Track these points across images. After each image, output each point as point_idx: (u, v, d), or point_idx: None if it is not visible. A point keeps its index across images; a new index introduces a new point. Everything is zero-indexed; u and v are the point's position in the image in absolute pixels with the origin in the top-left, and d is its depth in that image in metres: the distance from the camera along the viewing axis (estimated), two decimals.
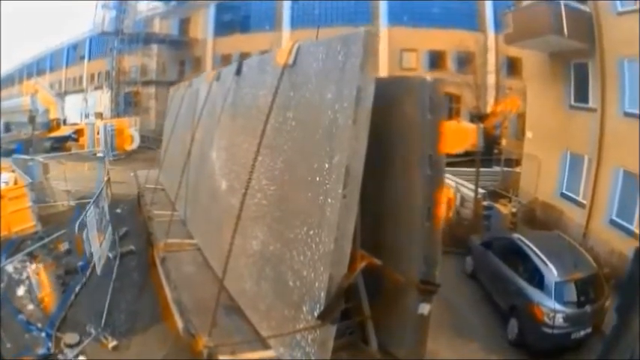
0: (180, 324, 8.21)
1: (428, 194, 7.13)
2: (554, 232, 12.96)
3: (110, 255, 12.80)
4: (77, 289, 10.86)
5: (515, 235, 11.69)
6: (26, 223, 14.89)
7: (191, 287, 9.37)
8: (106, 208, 12.20)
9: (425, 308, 7.27)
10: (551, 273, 9.81)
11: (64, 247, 9.99)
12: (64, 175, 19.44)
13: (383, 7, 36.47)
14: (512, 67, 26.71)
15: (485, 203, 16.01)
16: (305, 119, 7.35)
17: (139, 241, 14.52)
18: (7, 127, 43.88)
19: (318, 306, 6.33)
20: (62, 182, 19.44)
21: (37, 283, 10.04)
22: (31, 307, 10.13)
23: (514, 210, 16.00)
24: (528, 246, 10.87)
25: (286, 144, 7.75)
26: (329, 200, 6.33)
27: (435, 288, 7.22)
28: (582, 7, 15.03)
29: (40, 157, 21.20)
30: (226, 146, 10.61)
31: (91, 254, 10.08)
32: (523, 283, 10.37)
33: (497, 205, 16.51)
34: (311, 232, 6.67)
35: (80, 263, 10.22)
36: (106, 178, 13.36)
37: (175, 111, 16.84)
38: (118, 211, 18.01)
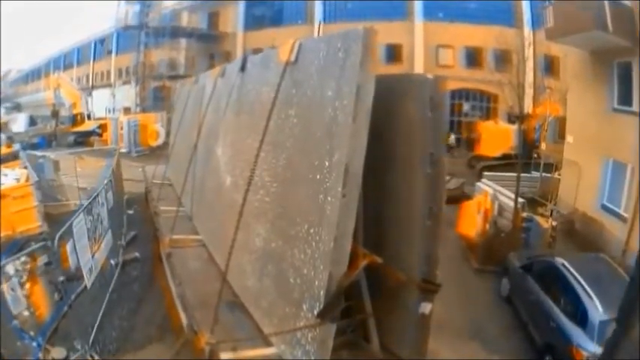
0: (184, 320, 8.48)
1: (429, 193, 7.34)
2: (598, 254, 11.97)
3: (112, 262, 12.64)
4: (72, 299, 10.63)
5: (559, 260, 10.76)
6: (31, 223, 14.87)
7: (196, 283, 9.70)
8: (104, 214, 11.96)
9: (426, 307, 7.56)
10: (596, 309, 8.95)
11: (42, 260, 9.78)
12: (75, 172, 19.45)
13: (418, 2, 36.16)
14: (550, 65, 26.04)
15: (524, 215, 15.23)
16: (306, 116, 7.60)
17: (145, 247, 14.34)
18: (33, 121, 44.84)
19: (317, 304, 6.54)
20: (80, 179, 19.49)
21: (28, 289, 9.88)
22: (26, 313, 9.98)
23: (554, 224, 15.19)
24: (572, 274, 10.04)
25: (288, 141, 8.04)
26: (329, 199, 6.53)
27: (435, 287, 7.48)
28: (625, 2, 14.43)
29: (51, 154, 21.30)
30: (231, 142, 10.95)
31: (78, 267, 9.86)
32: (563, 319, 9.60)
33: (538, 218, 15.68)
34: (311, 230, 6.89)
35: (61, 278, 9.98)
36: (106, 181, 13.10)
37: (182, 107, 17.36)
38: (131, 212, 18.16)
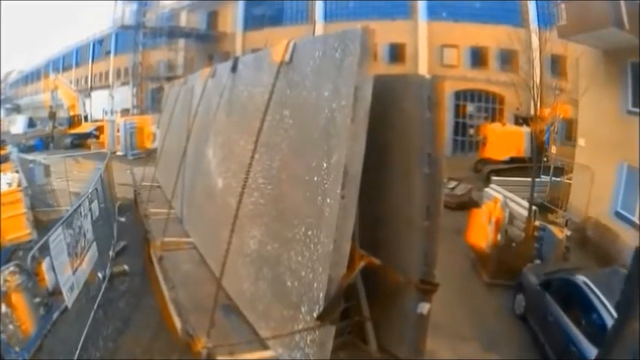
0: (178, 324, 8.31)
1: (426, 193, 7.35)
2: (619, 269, 11.15)
3: (100, 275, 11.97)
4: (56, 315, 9.96)
5: (580, 278, 9.95)
6: (20, 230, 14.39)
7: (189, 286, 9.64)
8: (88, 225, 11.26)
9: (424, 308, 7.53)
10: None
11: (16, 280, 9.12)
12: (66, 176, 18.92)
13: (422, 2, 35.74)
14: (560, 66, 25.39)
15: (537, 223, 14.33)
16: (302, 117, 7.55)
17: (135, 260, 13.73)
18: (32, 123, 44.64)
19: (317, 307, 6.53)
20: (73, 183, 18.94)
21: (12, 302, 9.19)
22: (11, 327, 9.32)
23: (569, 233, 14.26)
24: (595, 294, 9.24)
25: (283, 142, 7.96)
26: (327, 200, 6.52)
27: (433, 287, 7.45)
28: None
29: (42, 158, 20.73)
30: (222, 144, 10.93)
31: (57, 285, 9.18)
32: (585, 343, 8.82)
33: (552, 227, 14.72)
34: (309, 233, 6.88)
35: (36, 299, 9.31)
36: (90, 190, 12.40)
37: (171, 108, 17.25)
38: (123, 219, 17.54)
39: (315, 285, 6.59)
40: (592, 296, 9.23)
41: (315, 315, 6.50)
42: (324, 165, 6.63)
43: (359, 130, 6.29)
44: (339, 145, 6.39)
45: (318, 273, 6.58)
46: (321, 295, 6.44)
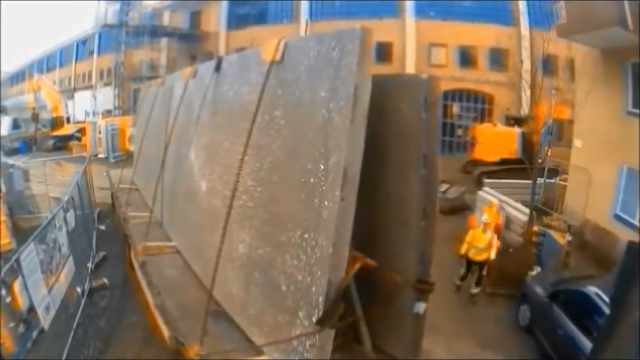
0: (166, 332, 8.03)
1: (423, 194, 7.41)
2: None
3: (79, 290, 11.23)
4: (35, 334, 9.08)
5: (591, 289, 9.25)
6: (0, 239, 13.71)
7: (174, 292, 9.42)
8: (64, 238, 10.47)
9: (420, 307, 7.62)
10: None
11: None
12: (45, 180, 18.21)
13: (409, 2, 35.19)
14: (551, 65, 24.93)
15: (536, 229, 13.71)
16: (295, 118, 7.40)
17: (116, 271, 12.97)
18: (16, 124, 43.61)
19: (316, 311, 6.45)
20: (53, 187, 18.07)
21: None
22: None
23: (570, 239, 13.57)
24: (607, 304, 8.43)
25: (274, 143, 7.77)
26: (325, 203, 6.44)
27: (430, 287, 7.56)
28: None
29: (20, 162, 19.89)
30: (206, 145, 10.67)
31: (31, 307, 8.35)
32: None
33: (552, 232, 14.07)
34: (305, 236, 6.78)
35: (11, 324, 8.45)
36: (66, 198, 11.62)
37: (148, 109, 16.75)
38: (103, 227, 16.74)
39: (314, 289, 6.52)
40: (605, 308, 8.55)
41: (314, 319, 6.43)
42: (322, 167, 6.53)
43: (358, 130, 6.25)
44: (337, 146, 6.30)
45: (316, 277, 6.51)
46: (320, 299, 6.38)
